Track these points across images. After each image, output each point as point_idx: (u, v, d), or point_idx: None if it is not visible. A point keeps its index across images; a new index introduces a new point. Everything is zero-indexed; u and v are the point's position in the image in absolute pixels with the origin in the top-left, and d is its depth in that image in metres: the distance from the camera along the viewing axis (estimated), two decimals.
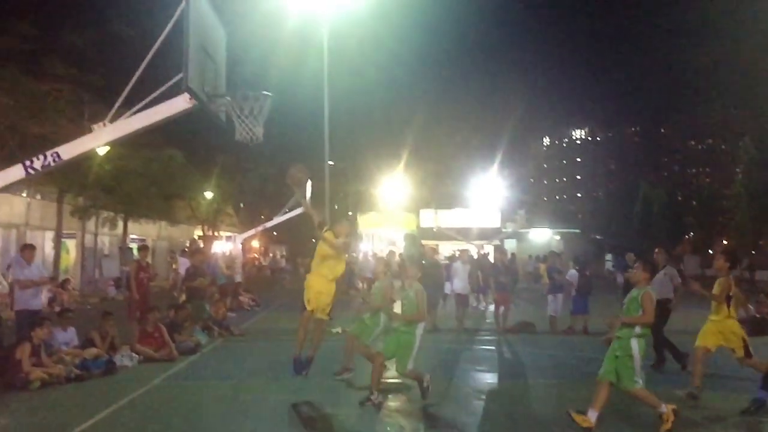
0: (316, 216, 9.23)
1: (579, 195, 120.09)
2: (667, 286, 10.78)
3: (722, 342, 8.21)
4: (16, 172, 7.02)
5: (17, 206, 23.26)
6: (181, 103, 6.82)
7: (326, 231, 8.54)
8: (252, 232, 30.53)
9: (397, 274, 9.42)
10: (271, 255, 55.91)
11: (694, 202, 68.41)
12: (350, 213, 48.61)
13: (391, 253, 29.75)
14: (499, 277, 15.92)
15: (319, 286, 8.39)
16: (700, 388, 8.09)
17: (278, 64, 30.26)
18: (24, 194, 23.48)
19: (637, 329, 6.73)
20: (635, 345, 6.65)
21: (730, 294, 8.19)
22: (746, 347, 8.13)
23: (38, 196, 24.63)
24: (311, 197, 26.67)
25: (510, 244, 39.33)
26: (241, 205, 46.33)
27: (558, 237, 48.49)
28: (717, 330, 8.22)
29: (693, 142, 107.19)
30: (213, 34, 7.50)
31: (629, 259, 16.35)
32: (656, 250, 11.73)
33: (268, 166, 36.83)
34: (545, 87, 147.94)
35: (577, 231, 56.19)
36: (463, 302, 15.97)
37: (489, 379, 10.06)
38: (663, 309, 10.50)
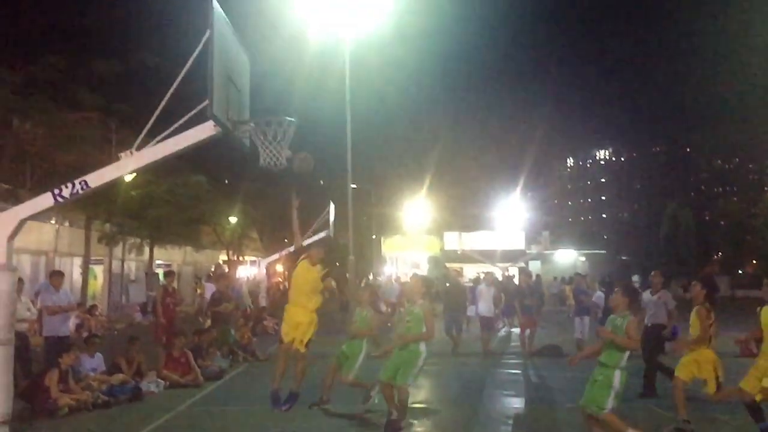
0: (298, 239, 9.25)
1: (604, 216, 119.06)
2: (661, 311, 10.47)
3: (696, 373, 7.89)
4: (45, 201, 7.13)
5: (46, 233, 23.60)
6: (206, 131, 6.90)
7: (301, 259, 8.43)
8: (276, 256, 30.66)
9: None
10: None
11: (722, 222, 67.46)
12: (374, 236, 48.71)
13: (415, 276, 29.71)
14: (525, 299, 15.78)
15: (298, 317, 8.23)
16: (686, 417, 7.74)
17: (300, 88, 30.62)
18: (53, 221, 23.83)
19: (623, 361, 6.52)
20: (618, 376, 6.45)
21: (710, 323, 7.92)
22: (718, 382, 7.78)
23: (67, 223, 24.98)
24: (335, 220, 26.83)
25: (535, 266, 38.99)
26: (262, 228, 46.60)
27: (583, 258, 48.02)
28: (693, 360, 7.93)
29: (719, 162, 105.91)
30: (237, 61, 7.60)
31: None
32: (652, 273, 11.43)
33: (292, 190, 37.07)
34: (568, 107, 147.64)
35: (603, 252, 55.65)
36: (488, 325, 15.84)
37: (516, 403, 9.94)
38: (657, 337, 10.20)
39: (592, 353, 6.92)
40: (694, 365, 7.88)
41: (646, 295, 10.83)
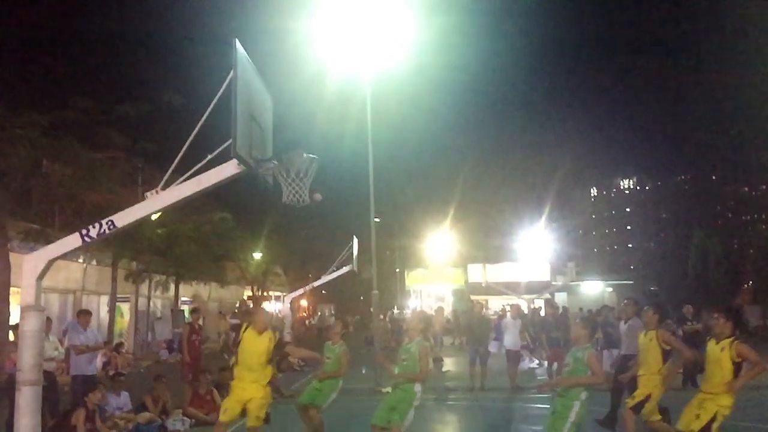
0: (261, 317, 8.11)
1: (630, 246, 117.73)
2: (633, 341, 10.23)
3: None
4: (73, 241, 7.24)
5: (74, 272, 23.89)
6: (230, 170, 6.99)
7: (244, 330, 7.85)
8: (300, 291, 30.74)
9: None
10: (319, 313, 56.01)
11: (752, 250, 66.22)
12: (397, 269, 48.64)
13: (439, 309, 29.60)
14: (551, 332, 15.57)
15: (246, 394, 7.60)
16: None
17: (322, 124, 30.97)
18: (80, 260, 24.14)
19: (584, 395, 6.42)
20: (576, 408, 6.35)
21: (667, 348, 7.73)
22: (640, 403, 7.60)
23: (94, 262, 25.28)
24: (358, 254, 26.85)
25: (561, 298, 38.58)
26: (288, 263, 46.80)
27: (610, 289, 47.41)
28: (641, 384, 7.79)
29: (746, 189, 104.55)
30: (259, 100, 7.71)
31: (687, 312, 15.89)
32: (625, 300, 11.22)
33: (316, 226, 37.29)
34: (590, 137, 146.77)
35: (631, 282, 54.89)
36: (514, 359, 15.65)
37: None
38: (621, 367, 9.94)
39: (561, 383, 6.85)
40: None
41: (622, 325, 10.66)
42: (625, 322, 10.48)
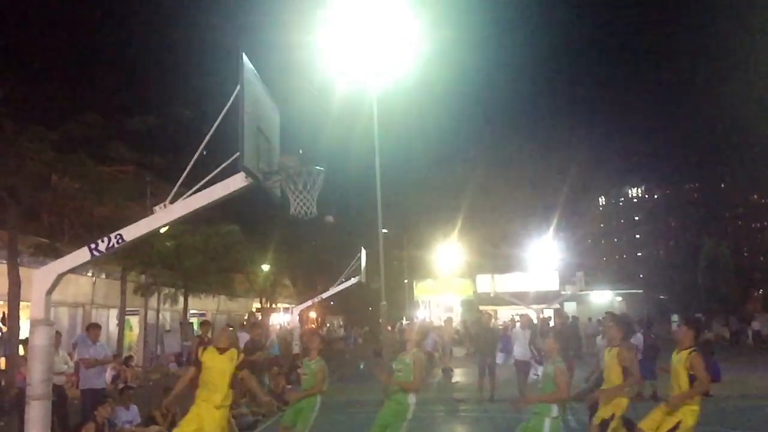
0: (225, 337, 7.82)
1: (639, 254, 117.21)
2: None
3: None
4: (82, 255, 7.27)
5: (83, 286, 23.95)
6: (237, 182, 7.02)
7: (204, 351, 7.47)
8: (308, 303, 30.72)
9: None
10: (327, 325, 55.91)
11: (761, 258, 65.91)
12: (405, 280, 48.57)
13: (448, 320, 29.53)
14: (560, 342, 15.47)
15: (201, 421, 7.06)
16: None
17: (329, 136, 31.05)
18: (90, 273, 24.21)
19: (554, 411, 6.37)
20: (547, 425, 6.33)
21: (625, 365, 7.47)
22: (605, 421, 7.31)
23: (103, 275, 25.35)
24: (366, 265, 26.85)
25: (570, 307, 38.40)
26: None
27: (620, 298, 47.19)
28: (605, 402, 7.47)
29: (755, 197, 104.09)
30: (266, 113, 7.75)
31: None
32: (604, 315, 11.15)
33: (324, 237, 37.33)
34: (598, 146, 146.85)
35: (640, 291, 54.64)
36: (524, 369, 15.56)
37: None
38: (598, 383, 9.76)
39: (529, 401, 7.01)
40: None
41: (599, 340, 10.61)
42: (603, 338, 10.42)
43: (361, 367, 16.52)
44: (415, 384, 7.39)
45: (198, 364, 7.39)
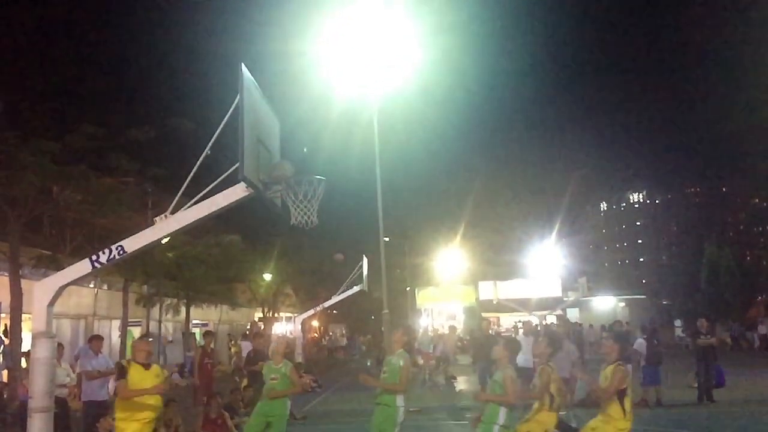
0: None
1: (642, 260, 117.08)
2: (564, 363, 10.05)
3: None
4: (83, 267, 7.27)
5: (85, 297, 23.96)
6: (238, 193, 7.02)
7: (127, 362, 7.08)
8: (311, 312, 30.69)
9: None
10: (330, 334, 55.81)
11: (765, 262, 65.75)
12: (407, 288, 48.52)
13: (452, 328, 29.49)
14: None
15: None
16: None
17: (330, 145, 31.09)
18: (91, 285, 24.23)
19: (501, 418, 6.36)
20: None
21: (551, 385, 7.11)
22: None
23: (105, 286, 25.37)
24: (368, 274, 26.82)
25: (573, 313, 38.34)
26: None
27: (623, 304, 47.11)
28: (535, 421, 6.95)
29: (757, 200, 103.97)
30: (266, 123, 7.76)
31: (701, 326, 15.73)
32: (556, 322, 11.08)
33: (326, 246, 37.28)
34: (599, 152, 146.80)
35: (643, 297, 54.54)
36: (527, 376, 15.50)
37: None
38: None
39: (479, 398, 7.08)
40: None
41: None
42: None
43: (369, 364, 16.47)
44: (401, 385, 7.27)
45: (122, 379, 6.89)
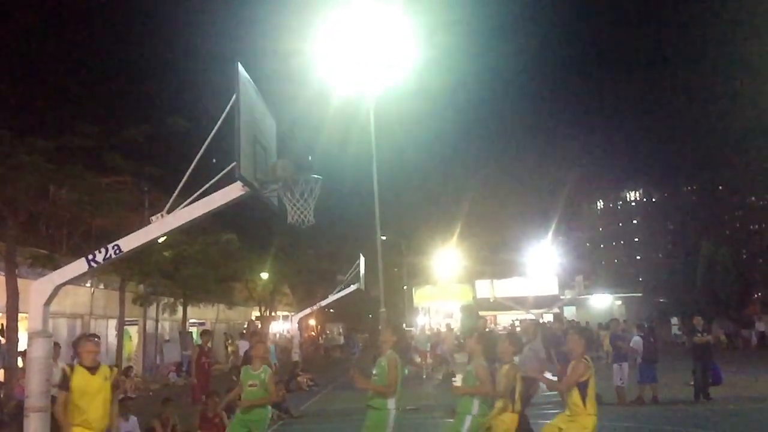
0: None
1: (638, 258, 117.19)
2: (532, 362, 10.05)
3: None
4: (79, 266, 7.26)
5: (82, 296, 23.91)
6: (234, 192, 7.02)
7: (71, 370, 6.60)
8: (308, 310, 30.70)
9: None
10: (327, 333, 55.80)
11: (761, 260, 65.87)
12: (405, 287, 48.54)
13: (449, 327, 29.50)
14: (560, 346, 15.44)
15: None
16: None
17: (326, 143, 31.00)
18: (88, 284, 24.17)
19: (475, 408, 6.35)
20: (467, 422, 6.33)
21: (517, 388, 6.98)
22: None
23: (101, 286, 25.31)
24: (365, 272, 26.83)
25: (570, 312, 38.37)
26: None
27: (619, 302, 47.18)
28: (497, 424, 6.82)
29: (753, 199, 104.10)
30: (263, 122, 7.76)
31: (697, 324, 15.76)
32: (528, 320, 11.14)
33: (323, 244, 37.30)
34: (595, 150, 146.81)
35: (639, 294, 54.62)
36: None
37: None
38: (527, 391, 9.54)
39: (455, 391, 7.00)
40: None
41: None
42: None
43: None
44: (390, 387, 6.96)
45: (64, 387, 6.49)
